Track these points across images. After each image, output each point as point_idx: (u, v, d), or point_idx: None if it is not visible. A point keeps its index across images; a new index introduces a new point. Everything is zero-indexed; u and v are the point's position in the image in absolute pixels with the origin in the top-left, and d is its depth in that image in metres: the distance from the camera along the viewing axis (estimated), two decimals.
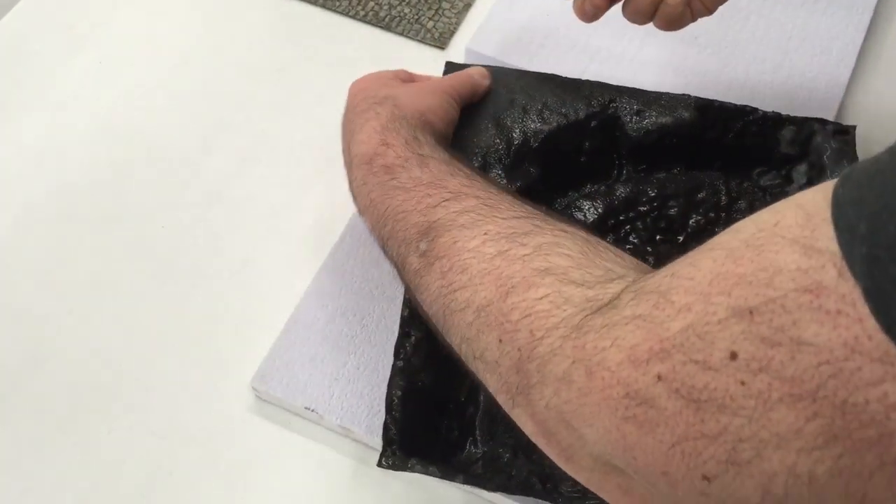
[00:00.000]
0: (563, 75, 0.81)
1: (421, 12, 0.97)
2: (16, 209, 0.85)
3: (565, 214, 0.77)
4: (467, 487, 0.68)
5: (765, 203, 0.50)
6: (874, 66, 0.91)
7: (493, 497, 0.67)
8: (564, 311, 0.43)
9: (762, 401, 0.33)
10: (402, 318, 0.69)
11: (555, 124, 0.77)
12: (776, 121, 0.78)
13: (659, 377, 0.36)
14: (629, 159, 0.79)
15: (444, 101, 0.67)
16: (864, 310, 0.31)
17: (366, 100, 0.67)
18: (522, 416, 0.46)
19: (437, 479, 0.68)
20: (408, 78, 0.75)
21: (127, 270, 0.81)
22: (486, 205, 0.52)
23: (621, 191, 0.77)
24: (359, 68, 0.94)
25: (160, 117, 0.92)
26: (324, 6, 0.99)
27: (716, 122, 0.78)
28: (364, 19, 0.98)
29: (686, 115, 0.78)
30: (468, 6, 0.98)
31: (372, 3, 0.98)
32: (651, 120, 0.78)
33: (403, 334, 0.69)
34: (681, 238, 0.74)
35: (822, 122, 0.78)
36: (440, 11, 0.97)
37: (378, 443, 0.65)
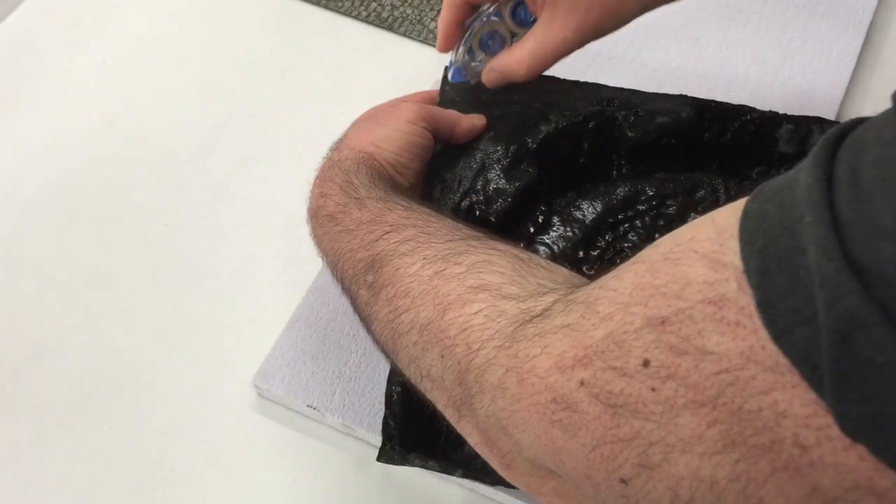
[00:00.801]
0: (562, 77, 0.81)
1: (423, 13, 0.98)
2: (19, 207, 0.86)
3: (565, 214, 0.77)
4: (468, 485, 0.68)
5: None
6: (874, 68, 0.91)
7: (494, 495, 0.68)
8: (499, 323, 0.44)
9: (669, 406, 0.34)
10: None
11: (553, 125, 0.77)
12: (774, 120, 0.78)
13: (582, 383, 0.38)
14: (628, 159, 0.79)
15: (397, 128, 0.68)
16: (758, 321, 0.32)
17: (331, 145, 0.70)
18: (468, 427, 0.47)
19: (438, 477, 0.68)
20: (396, 103, 0.74)
21: (129, 268, 0.81)
22: (423, 232, 0.54)
23: (620, 190, 0.77)
24: (361, 69, 0.95)
25: (162, 116, 0.92)
26: (326, 6, 0.99)
27: (714, 122, 0.78)
28: (366, 20, 0.98)
29: (684, 114, 0.78)
30: None
31: (374, 4, 0.99)
32: (649, 120, 0.78)
33: None
34: None
35: (820, 120, 0.78)
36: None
37: (379, 441, 0.66)
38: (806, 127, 0.78)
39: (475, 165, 0.75)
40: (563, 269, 0.50)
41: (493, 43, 0.72)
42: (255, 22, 1.00)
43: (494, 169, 0.75)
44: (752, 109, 0.78)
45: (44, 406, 0.74)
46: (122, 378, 0.75)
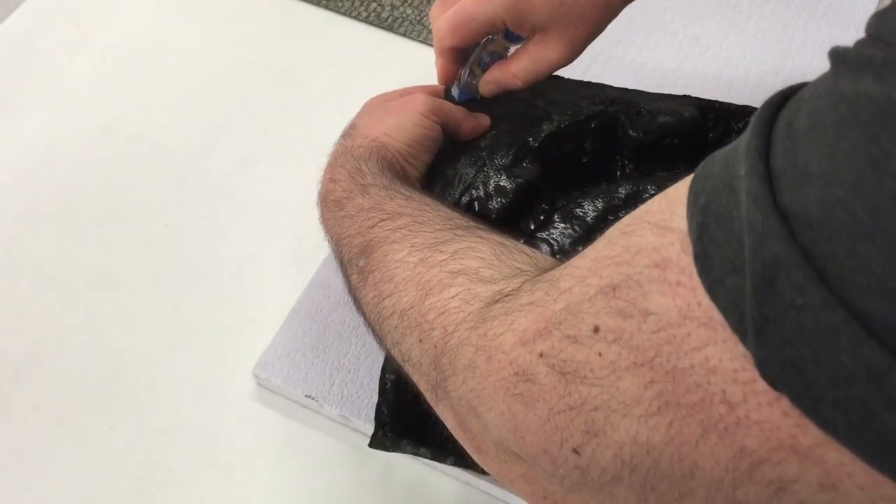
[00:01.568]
0: (565, 77, 0.81)
1: (423, 13, 0.98)
2: (19, 207, 0.86)
3: (566, 211, 0.77)
4: (464, 479, 0.68)
5: None
6: None
7: (490, 489, 0.67)
8: (472, 305, 0.45)
9: (613, 370, 0.35)
10: None
11: (556, 123, 0.77)
12: None
13: (541, 354, 0.38)
14: (631, 159, 0.79)
15: (409, 119, 0.69)
16: (697, 279, 0.32)
17: (342, 131, 0.72)
18: (445, 411, 0.47)
19: (435, 471, 0.68)
20: (405, 93, 0.76)
21: (129, 268, 0.81)
22: (416, 221, 0.55)
23: (622, 189, 0.77)
24: (361, 69, 0.95)
25: (162, 116, 0.92)
26: (326, 7, 0.99)
27: (718, 122, 0.78)
28: (366, 20, 0.98)
29: (687, 114, 0.78)
30: None
31: (374, 4, 0.99)
32: (652, 120, 0.78)
33: None
34: None
35: None
36: None
37: None
38: None
39: (476, 162, 0.75)
40: (547, 256, 0.50)
41: (490, 60, 0.74)
42: (255, 22, 1.00)
43: (496, 166, 0.75)
44: (756, 110, 0.78)
45: (44, 406, 0.74)
46: (122, 376, 0.75)
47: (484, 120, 0.75)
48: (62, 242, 0.83)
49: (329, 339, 0.73)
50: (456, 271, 0.48)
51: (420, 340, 0.48)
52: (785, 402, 0.29)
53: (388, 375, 0.66)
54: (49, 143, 0.90)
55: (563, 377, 0.37)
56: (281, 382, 0.71)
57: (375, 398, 0.68)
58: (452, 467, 0.67)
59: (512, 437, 0.40)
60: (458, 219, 0.56)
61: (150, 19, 1.00)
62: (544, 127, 0.76)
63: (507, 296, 0.43)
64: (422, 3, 0.99)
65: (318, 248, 0.79)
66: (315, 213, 0.82)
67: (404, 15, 0.98)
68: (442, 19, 0.69)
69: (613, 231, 0.38)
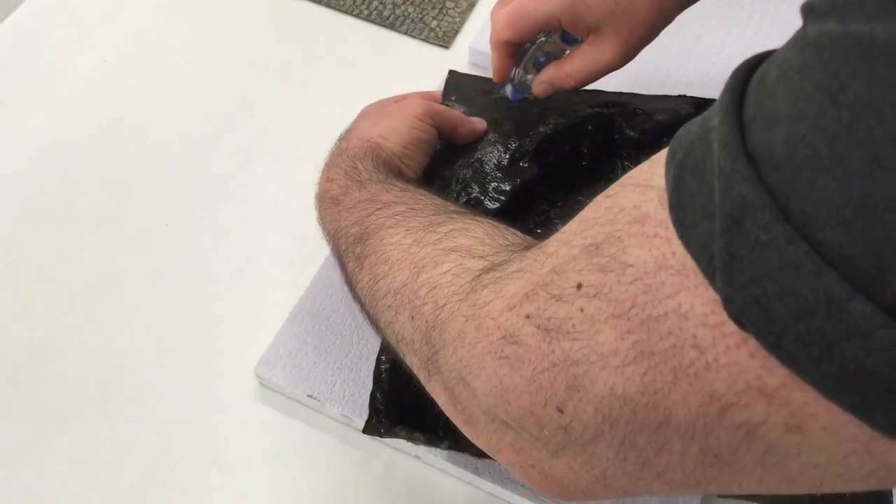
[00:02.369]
0: None
1: (425, 11, 0.98)
2: (20, 206, 0.85)
3: (566, 211, 0.77)
4: (466, 478, 0.68)
5: None
6: None
7: (492, 489, 0.67)
8: (463, 279, 0.46)
9: (593, 323, 0.36)
10: None
11: (552, 127, 0.77)
12: None
13: (528, 316, 0.39)
14: (630, 158, 0.79)
15: (403, 122, 0.71)
16: (672, 230, 0.33)
17: (339, 135, 0.73)
18: (436, 387, 0.48)
19: (438, 472, 0.68)
20: (401, 98, 0.77)
21: (130, 266, 0.81)
22: (412, 208, 0.56)
23: None
24: (362, 67, 0.95)
25: (163, 116, 0.92)
26: (328, 5, 0.99)
27: None
28: (368, 18, 0.98)
29: (683, 112, 0.78)
30: (472, 5, 0.99)
31: (376, 3, 0.99)
32: (648, 119, 0.78)
33: None
34: None
35: None
36: (444, 10, 0.98)
37: None
38: None
39: (474, 164, 0.75)
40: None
41: (545, 60, 0.74)
42: (257, 21, 1.00)
43: (493, 168, 0.75)
44: None
45: (44, 405, 0.74)
46: (122, 376, 0.75)
47: (480, 124, 0.76)
48: (62, 242, 0.83)
49: (331, 338, 0.73)
50: (449, 248, 0.49)
51: (412, 317, 0.49)
52: (752, 343, 0.30)
53: (382, 364, 0.67)
54: (49, 143, 0.90)
55: (547, 334, 0.38)
56: (283, 382, 0.71)
57: (372, 387, 0.68)
58: (454, 467, 0.67)
59: (499, 401, 0.41)
60: (453, 205, 0.57)
61: (151, 18, 1.00)
62: (540, 129, 0.77)
63: (497, 265, 0.44)
64: (423, 1, 0.98)
65: (319, 248, 0.78)
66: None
67: (406, 13, 0.98)
68: (501, 14, 0.70)
69: (599, 197, 0.39)
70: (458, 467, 0.67)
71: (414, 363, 0.50)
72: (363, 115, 0.75)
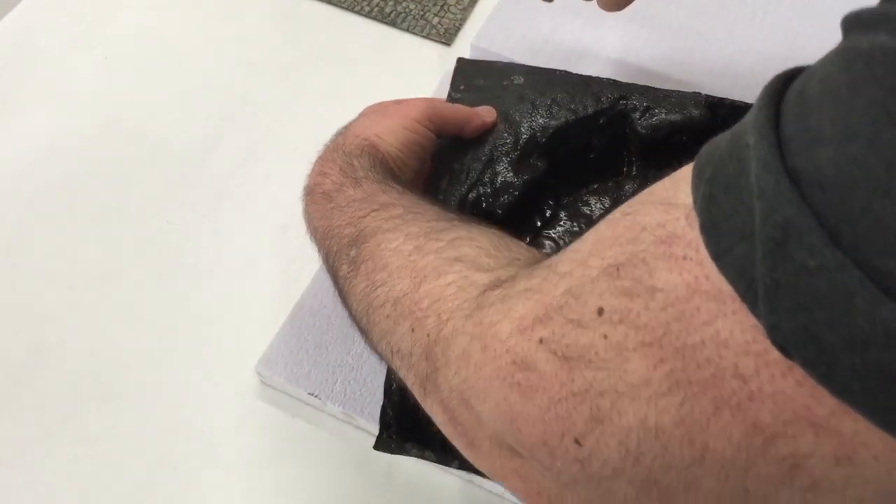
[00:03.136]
0: (572, 72, 0.81)
1: (426, 8, 0.97)
2: (21, 205, 0.85)
3: (573, 209, 0.77)
4: (467, 477, 0.68)
5: None
6: None
7: (493, 487, 0.67)
8: (468, 292, 0.44)
9: (620, 351, 0.34)
10: None
11: (563, 120, 0.77)
12: None
13: (541, 341, 0.37)
14: (639, 156, 0.79)
15: (401, 124, 0.69)
16: (704, 252, 0.31)
17: (337, 131, 0.71)
18: (433, 406, 0.46)
19: (439, 470, 0.68)
20: (405, 100, 0.75)
21: (132, 265, 0.81)
22: (411, 212, 0.55)
23: (629, 186, 0.77)
24: (363, 65, 0.95)
25: (164, 113, 0.92)
26: (329, 2, 0.99)
27: (728, 120, 0.77)
28: (369, 15, 0.98)
29: (696, 112, 0.77)
30: (474, 2, 0.98)
31: (377, 0, 0.98)
32: (660, 117, 0.77)
33: None
34: None
35: None
36: (446, 7, 0.97)
37: None
38: None
39: (483, 157, 0.75)
40: (544, 254, 0.49)
41: None
42: (257, 18, 0.99)
43: (503, 162, 0.75)
44: None
45: (45, 404, 0.73)
46: (124, 374, 0.75)
47: (489, 117, 0.75)
48: (63, 240, 0.82)
49: (332, 336, 0.72)
50: (453, 258, 0.47)
51: (413, 329, 0.47)
52: (798, 372, 0.29)
53: (393, 377, 0.65)
54: (50, 141, 0.89)
55: (567, 363, 0.36)
56: (284, 380, 0.71)
57: (379, 396, 0.68)
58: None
59: (508, 429, 0.39)
60: (453, 212, 0.56)
61: (152, 16, 1.00)
62: (552, 123, 0.76)
63: (504, 282, 0.42)
64: None
65: None
66: None
67: (407, 10, 0.97)
68: None
69: (615, 214, 0.38)
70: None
71: (409, 378, 0.48)
72: (364, 113, 0.73)
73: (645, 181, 0.76)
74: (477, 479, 0.67)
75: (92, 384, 0.74)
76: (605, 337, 0.34)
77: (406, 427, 0.64)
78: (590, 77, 0.80)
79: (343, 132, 0.70)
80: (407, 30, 0.96)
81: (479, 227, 0.51)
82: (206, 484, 0.69)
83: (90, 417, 0.72)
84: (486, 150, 0.75)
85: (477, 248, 0.48)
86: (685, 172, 0.34)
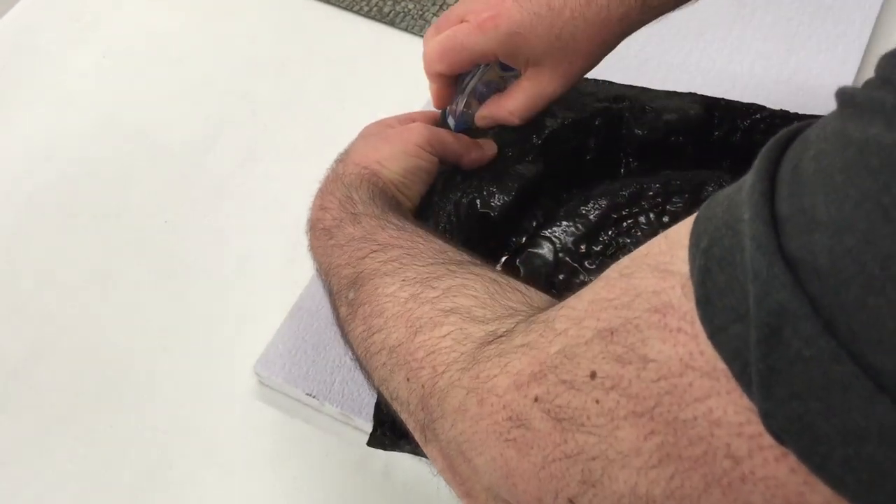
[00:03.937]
0: None
1: (425, 8, 0.97)
2: (19, 203, 0.85)
3: (570, 209, 0.76)
4: None
5: None
6: None
7: None
8: (464, 346, 0.44)
9: (611, 418, 0.34)
10: None
11: (560, 120, 0.76)
12: (785, 119, 0.77)
13: (536, 399, 0.37)
14: (636, 157, 0.79)
15: (403, 150, 0.68)
16: (699, 326, 0.31)
17: (337, 156, 0.71)
18: (433, 452, 0.46)
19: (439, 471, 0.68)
20: (406, 120, 0.74)
21: (130, 264, 0.81)
22: (408, 254, 0.54)
23: (626, 188, 0.76)
24: (362, 64, 0.95)
25: (163, 112, 0.92)
26: (328, 1, 0.99)
27: (724, 120, 0.77)
28: (368, 15, 0.98)
29: (692, 112, 0.77)
30: None
31: None
32: (657, 118, 0.77)
33: None
34: None
35: None
36: (444, 7, 0.97)
37: None
38: None
39: None
40: (541, 293, 0.49)
41: (486, 91, 0.72)
42: (257, 17, 0.99)
43: (498, 164, 0.74)
44: (762, 108, 0.77)
45: (44, 404, 0.73)
46: (122, 374, 0.75)
47: (489, 150, 0.73)
48: (62, 240, 0.83)
49: (330, 336, 0.72)
50: (448, 310, 0.47)
51: (408, 379, 0.47)
52: (792, 459, 0.28)
53: None
54: (49, 140, 0.90)
55: (559, 424, 0.36)
56: (282, 380, 0.71)
57: (376, 396, 0.68)
58: None
59: (504, 483, 0.39)
60: (451, 252, 0.55)
61: (151, 15, 1.00)
62: (548, 124, 0.76)
63: (500, 336, 0.42)
64: None
65: None
66: None
67: (406, 10, 0.97)
68: (432, 43, 0.67)
69: (612, 272, 0.37)
70: None
71: (409, 423, 0.48)
72: (363, 135, 0.72)
73: (641, 182, 0.76)
74: None
75: (90, 384, 0.74)
76: (597, 402, 0.34)
77: (400, 424, 0.64)
78: (586, 78, 0.80)
79: (343, 159, 0.69)
80: (405, 29, 0.96)
81: (474, 271, 0.51)
82: (203, 483, 0.69)
83: (89, 417, 0.72)
84: None
85: (472, 297, 0.47)
86: (681, 234, 0.33)
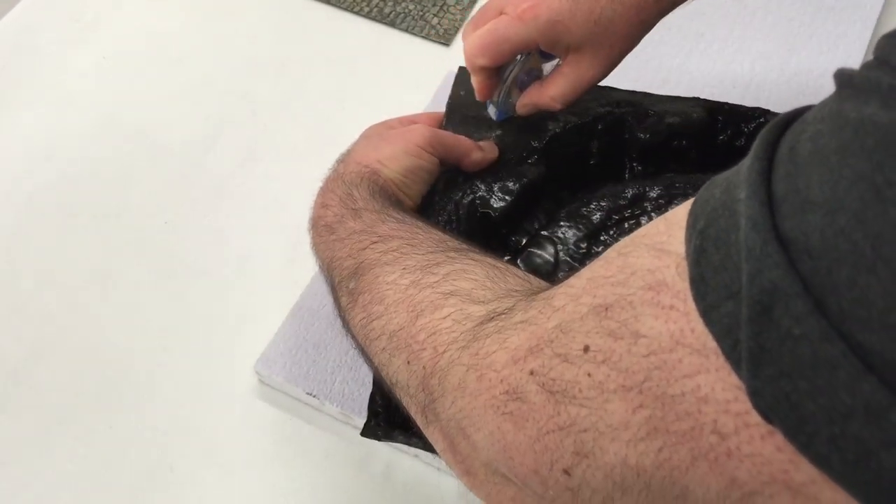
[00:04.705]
0: None
1: (426, 8, 0.97)
2: (19, 203, 0.85)
3: (572, 210, 0.76)
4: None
5: None
6: None
7: None
8: (465, 325, 0.45)
9: (601, 391, 0.34)
10: None
11: (562, 124, 0.76)
12: None
13: (532, 372, 0.38)
14: (639, 161, 0.79)
15: (404, 150, 0.68)
16: (691, 304, 0.31)
17: (339, 156, 0.71)
18: (435, 433, 0.47)
19: (436, 471, 0.68)
20: (408, 121, 0.75)
21: (130, 264, 0.81)
22: (408, 244, 0.55)
23: (629, 190, 0.76)
24: (362, 65, 0.95)
25: (163, 112, 0.92)
26: (328, 2, 0.99)
27: (728, 124, 0.77)
28: (368, 15, 0.98)
29: (695, 115, 0.77)
30: (473, 2, 0.98)
31: (377, 0, 0.98)
32: (660, 121, 0.77)
33: None
34: None
35: None
36: (445, 8, 0.97)
37: None
38: None
39: None
40: (541, 280, 0.49)
41: (527, 79, 0.72)
42: (257, 18, 0.99)
43: (500, 166, 0.74)
44: (767, 112, 0.77)
45: (44, 404, 0.73)
46: (122, 374, 0.75)
47: (490, 152, 0.74)
48: (62, 240, 0.83)
49: (331, 336, 0.72)
50: (448, 292, 0.48)
51: (408, 362, 0.47)
52: (778, 437, 0.29)
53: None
54: (49, 140, 0.89)
55: (553, 396, 0.36)
56: (282, 380, 0.71)
57: (372, 388, 0.68)
58: None
59: (501, 457, 0.40)
60: (451, 241, 0.55)
61: (151, 15, 1.00)
62: (550, 127, 0.76)
63: (500, 314, 0.43)
64: None
65: None
66: None
67: (406, 10, 0.97)
68: (473, 37, 0.67)
69: (610, 252, 0.38)
70: None
71: (411, 407, 0.49)
72: (365, 136, 0.73)
73: (644, 184, 0.76)
74: None
75: (90, 384, 0.74)
76: (589, 375, 0.35)
77: (394, 415, 0.64)
78: None
79: (344, 159, 0.70)
80: (406, 30, 0.96)
81: (473, 257, 0.51)
82: (204, 483, 0.69)
83: (88, 417, 0.72)
84: None
85: (472, 280, 0.48)
86: (679, 216, 0.34)
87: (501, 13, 0.66)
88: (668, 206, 0.73)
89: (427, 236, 0.56)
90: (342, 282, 0.57)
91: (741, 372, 0.29)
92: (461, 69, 0.82)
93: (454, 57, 0.94)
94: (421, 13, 0.97)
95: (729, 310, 0.30)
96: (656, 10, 0.66)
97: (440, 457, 0.64)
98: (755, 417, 0.29)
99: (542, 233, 0.75)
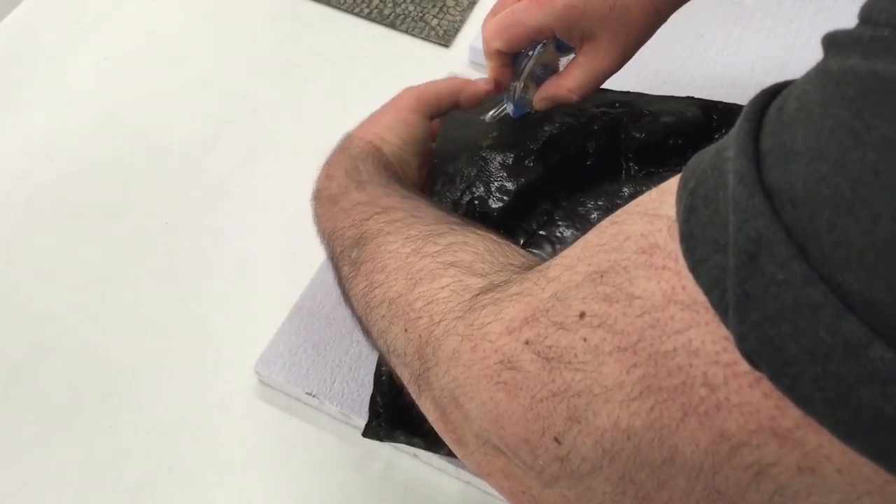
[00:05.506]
0: None
1: (425, 10, 0.97)
2: (20, 204, 0.85)
3: (569, 210, 0.76)
4: (465, 478, 0.68)
5: None
6: None
7: (489, 488, 0.67)
8: (462, 296, 0.45)
9: (596, 354, 0.35)
10: None
11: (557, 125, 0.77)
12: None
13: (527, 342, 0.38)
14: (635, 160, 0.79)
15: (397, 118, 0.69)
16: (682, 262, 0.32)
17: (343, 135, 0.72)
18: (427, 403, 0.47)
19: (436, 471, 0.68)
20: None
21: (129, 266, 0.81)
22: (412, 216, 0.55)
23: (626, 189, 0.77)
24: (362, 66, 0.95)
25: (163, 112, 0.92)
26: (328, 3, 0.99)
27: (723, 123, 0.78)
28: (368, 17, 0.98)
29: (689, 114, 0.78)
30: (473, 4, 0.98)
31: (377, 1, 0.98)
32: (655, 120, 0.77)
33: None
34: None
35: None
36: (445, 9, 0.97)
37: None
38: None
39: (478, 162, 0.75)
40: (539, 259, 0.50)
41: (543, 73, 0.72)
42: (257, 19, 0.99)
43: (497, 166, 0.75)
44: None
45: (44, 404, 0.73)
46: (122, 374, 0.75)
47: (483, 84, 0.73)
48: (62, 240, 0.83)
49: (330, 336, 0.72)
50: (448, 263, 0.48)
51: (406, 329, 0.48)
52: (765, 384, 0.29)
53: (382, 367, 0.66)
54: (49, 140, 0.90)
55: (548, 363, 0.37)
56: (282, 380, 0.71)
57: (373, 389, 0.68)
58: (453, 466, 0.67)
59: (493, 427, 0.40)
60: (455, 216, 0.56)
61: (151, 15, 1.00)
62: (546, 128, 0.76)
63: (497, 286, 0.43)
64: None
65: (319, 246, 0.78)
66: None
67: (406, 11, 0.97)
68: (491, 22, 0.68)
69: (604, 222, 0.38)
70: (456, 467, 0.67)
71: (404, 375, 0.49)
72: (370, 115, 0.74)
73: (641, 184, 0.76)
74: (473, 479, 0.67)
75: (90, 384, 0.74)
76: (585, 340, 0.35)
77: (395, 416, 0.65)
78: None
79: (348, 136, 0.70)
80: (406, 31, 0.96)
81: (476, 231, 0.52)
82: (203, 482, 0.69)
83: (88, 417, 0.72)
84: (481, 153, 0.75)
85: (473, 253, 0.48)
86: (672, 184, 0.34)
87: None
88: None
89: (431, 210, 0.57)
90: (344, 251, 0.57)
91: (728, 320, 0.30)
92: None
93: (454, 58, 0.94)
94: (421, 14, 0.97)
95: (717, 262, 0.30)
96: (671, 0, 0.66)
97: (439, 454, 0.64)
98: (743, 366, 0.30)
99: (540, 233, 0.75)
